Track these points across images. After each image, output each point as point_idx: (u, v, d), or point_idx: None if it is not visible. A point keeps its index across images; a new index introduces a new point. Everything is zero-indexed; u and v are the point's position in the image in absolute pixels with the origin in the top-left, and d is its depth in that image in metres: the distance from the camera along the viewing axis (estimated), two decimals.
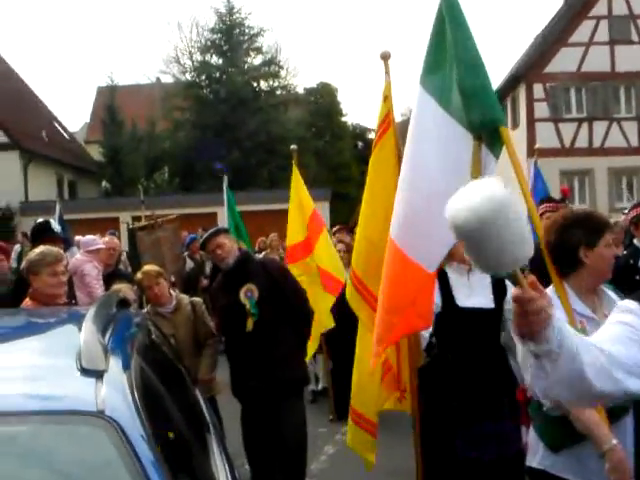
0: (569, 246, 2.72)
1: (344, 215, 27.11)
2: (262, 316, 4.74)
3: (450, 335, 3.83)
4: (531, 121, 24.10)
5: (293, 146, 7.39)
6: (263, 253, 11.12)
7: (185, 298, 5.44)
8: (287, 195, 7.29)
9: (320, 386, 8.20)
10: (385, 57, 4.05)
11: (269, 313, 4.77)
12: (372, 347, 3.67)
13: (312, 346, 6.31)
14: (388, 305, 3.39)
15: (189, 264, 11.02)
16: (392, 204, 3.73)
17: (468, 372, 3.86)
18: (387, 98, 4.11)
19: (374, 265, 3.84)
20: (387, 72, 4.05)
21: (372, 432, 4.22)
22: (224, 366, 5.25)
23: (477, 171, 2.81)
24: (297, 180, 7.19)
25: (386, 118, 4.07)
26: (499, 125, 2.84)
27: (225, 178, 10.85)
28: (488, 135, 2.85)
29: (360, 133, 36.46)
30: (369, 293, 3.98)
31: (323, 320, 6.36)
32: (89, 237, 7.39)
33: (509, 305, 3.88)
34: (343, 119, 35.84)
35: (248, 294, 4.75)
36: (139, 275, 5.30)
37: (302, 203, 7.04)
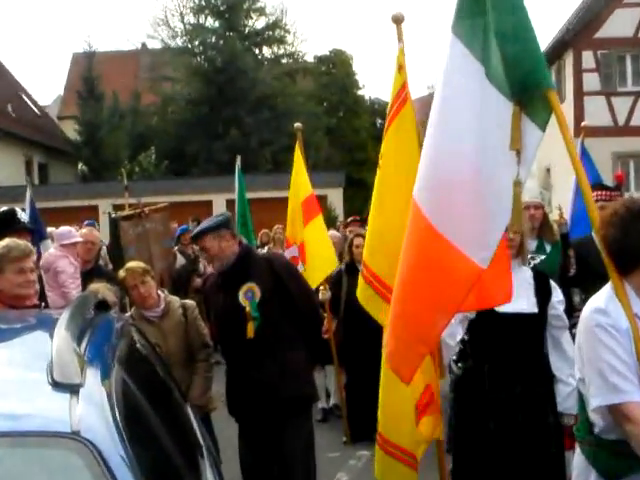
0: (633, 241, 2.72)
1: (359, 204, 27.08)
2: (265, 321, 4.75)
3: (487, 343, 3.86)
4: (579, 94, 23.85)
5: (298, 124, 7.41)
6: (266, 248, 11.13)
7: (175, 300, 5.44)
8: None
9: (331, 403, 8.18)
10: (397, 20, 4.03)
11: (273, 317, 4.78)
12: (402, 359, 3.71)
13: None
14: (432, 305, 3.27)
15: (180, 260, 10.91)
16: (406, 196, 3.73)
17: (507, 386, 3.91)
18: (402, 67, 4.09)
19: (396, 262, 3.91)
20: (400, 38, 4.03)
21: (412, 465, 4.11)
22: (220, 379, 5.25)
23: (517, 142, 2.78)
24: (298, 163, 7.27)
25: (402, 91, 4.06)
26: (545, 88, 2.77)
27: (238, 159, 10.92)
28: (531, 100, 2.80)
29: (379, 109, 36.21)
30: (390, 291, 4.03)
31: None
32: (64, 229, 7.36)
33: (554, 310, 3.96)
34: (359, 92, 35.97)
35: (248, 295, 4.77)
36: (122, 273, 5.31)
37: (298, 191, 7.23)
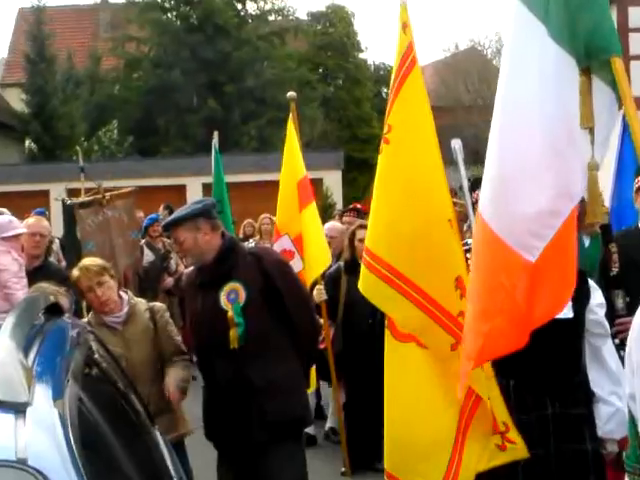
0: None
1: (361, 188, 26.96)
2: (250, 328, 4.77)
3: (512, 354, 3.76)
4: (624, 59, 24.30)
5: (291, 93, 7.44)
6: (252, 242, 11.13)
7: (141, 303, 5.46)
8: (282, 162, 7.36)
9: (328, 426, 8.20)
10: None
11: (260, 324, 4.81)
12: (423, 371, 3.88)
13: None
14: (481, 309, 3.42)
15: (148, 256, 10.91)
16: (426, 176, 3.89)
17: (536, 406, 3.92)
18: (406, 26, 4.17)
19: (405, 253, 4.04)
20: None
21: None
22: (196, 398, 5.29)
23: (588, 118, 2.82)
24: (292, 140, 7.29)
25: (408, 53, 4.13)
26: (612, 55, 2.85)
27: (215, 135, 10.96)
28: (600, 67, 2.87)
29: (385, 76, 35.75)
30: (416, 290, 4.08)
31: None
32: (3, 219, 7.33)
33: (593, 315, 3.96)
34: (361, 56, 36.04)
35: (232, 297, 4.80)
36: (76, 272, 5.28)
37: (292, 173, 7.28)
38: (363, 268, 4.29)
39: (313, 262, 7.18)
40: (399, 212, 4.18)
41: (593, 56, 2.85)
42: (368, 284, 4.30)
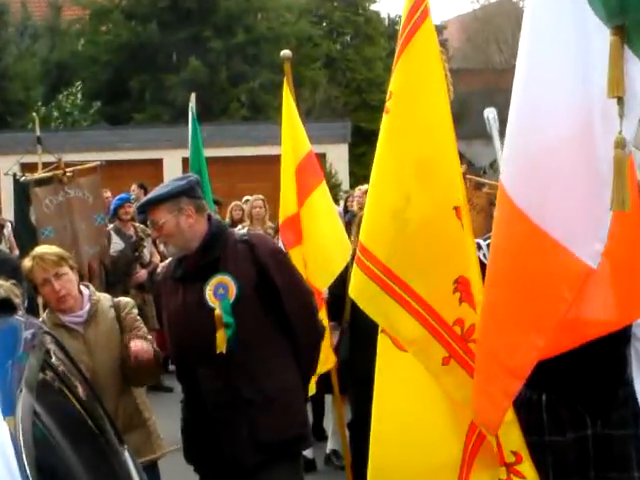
0: None
1: (371, 165, 26.71)
2: (241, 330, 4.80)
3: (543, 364, 3.74)
4: None
5: (286, 51, 7.45)
6: (242, 228, 10.99)
7: (106, 299, 5.46)
8: (277, 133, 7.28)
9: (329, 448, 8.26)
10: None
11: (254, 325, 4.85)
12: (428, 388, 3.93)
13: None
14: (529, 320, 3.44)
15: (117, 244, 10.96)
16: (430, 155, 3.94)
17: (573, 426, 3.92)
18: None
19: (403, 250, 4.00)
20: None
21: None
22: (173, 413, 5.31)
23: (618, 86, 2.78)
24: (289, 107, 7.28)
25: (418, 3, 4.06)
26: None
27: (193, 97, 11.01)
28: (635, 27, 2.82)
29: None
30: (412, 295, 4.03)
31: None
32: None
33: None
34: (373, 8, 35.83)
35: (220, 292, 4.83)
36: (29, 262, 5.28)
37: (293, 146, 7.22)
38: (355, 268, 4.25)
39: (325, 260, 7.03)
40: (397, 200, 4.13)
41: (629, 12, 2.73)
42: (359, 287, 4.25)
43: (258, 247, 5.00)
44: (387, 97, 4.21)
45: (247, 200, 12.99)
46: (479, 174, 18.95)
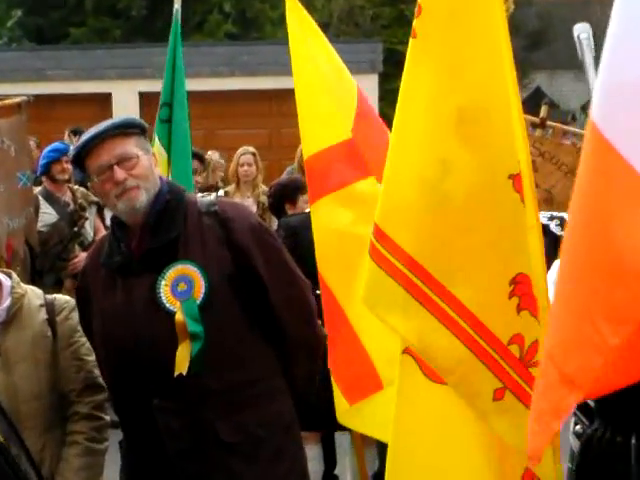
0: None
1: None
2: (213, 342, 4.77)
3: (632, 394, 3.80)
4: None
5: None
6: (221, 193, 11.23)
7: (35, 295, 5.36)
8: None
9: None
10: None
11: (229, 334, 4.86)
12: (467, 430, 4.12)
13: None
14: (600, 304, 3.34)
15: (48, 214, 10.77)
16: (474, 100, 3.91)
17: None
18: None
19: (434, 236, 4.05)
20: None
21: None
22: (112, 459, 5.40)
23: None
24: (302, 21, 6.79)
25: None
26: None
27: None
28: None
29: None
30: (454, 305, 4.08)
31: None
32: None
33: None
34: None
35: (181, 289, 4.83)
36: None
37: (330, 67, 6.78)
38: (369, 261, 4.20)
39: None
40: (429, 166, 4.08)
41: None
42: (374, 288, 4.23)
43: (233, 222, 4.95)
44: (415, 12, 4.11)
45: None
46: (566, 121, 18.69)
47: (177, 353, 4.77)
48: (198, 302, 4.79)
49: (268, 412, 4.94)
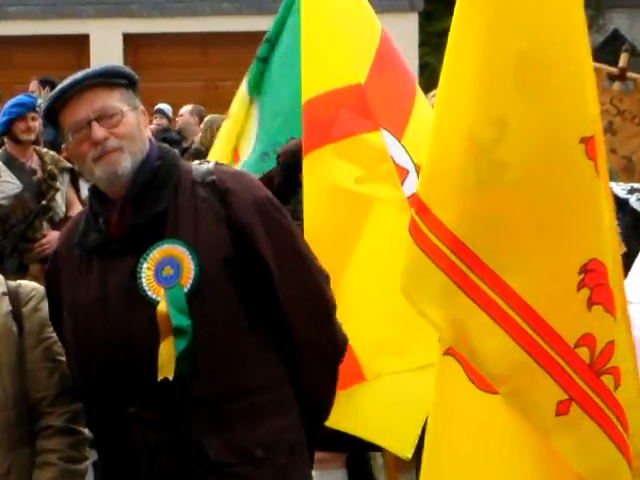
0: None
1: None
2: (203, 338, 4.71)
3: None
4: None
5: None
6: (210, 164, 11.20)
7: None
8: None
9: None
10: None
11: (223, 330, 4.80)
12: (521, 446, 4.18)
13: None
14: None
15: (10, 183, 10.59)
16: (553, 41, 3.96)
17: None
18: None
19: (500, 218, 4.02)
20: None
21: None
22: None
23: None
24: None
25: None
26: None
27: None
28: None
29: None
30: (510, 298, 4.09)
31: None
32: None
33: None
34: None
35: (166, 274, 4.77)
36: None
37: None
38: (409, 240, 4.10)
39: None
40: (482, 127, 4.01)
41: None
42: (412, 269, 4.19)
43: (234, 195, 4.83)
44: None
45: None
46: None
47: (160, 352, 4.75)
48: (185, 290, 4.81)
49: (269, 428, 4.96)
